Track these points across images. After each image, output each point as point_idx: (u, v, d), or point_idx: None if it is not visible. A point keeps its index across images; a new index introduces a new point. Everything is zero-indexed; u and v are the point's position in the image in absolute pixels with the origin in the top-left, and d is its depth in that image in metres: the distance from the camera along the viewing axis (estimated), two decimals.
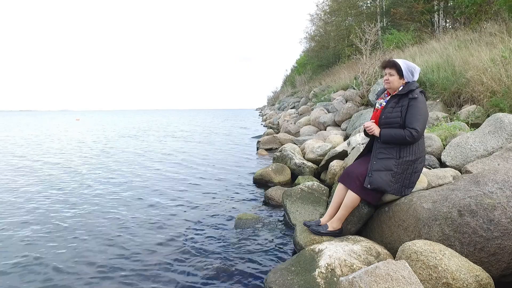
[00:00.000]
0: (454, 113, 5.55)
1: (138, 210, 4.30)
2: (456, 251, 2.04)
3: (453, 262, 1.85)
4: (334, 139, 7.05)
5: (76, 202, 4.66)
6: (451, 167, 3.43)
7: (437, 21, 14.96)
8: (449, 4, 14.50)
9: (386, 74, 2.75)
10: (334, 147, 6.06)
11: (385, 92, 2.88)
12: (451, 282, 1.77)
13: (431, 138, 3.93)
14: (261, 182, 5.52)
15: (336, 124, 9.87)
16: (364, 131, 2.89)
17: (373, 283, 1.63)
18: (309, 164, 5.78)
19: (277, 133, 12.17)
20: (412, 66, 2.69)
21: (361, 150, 3.07)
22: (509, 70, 4.92)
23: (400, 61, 2.71)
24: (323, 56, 31.45)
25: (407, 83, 2.70)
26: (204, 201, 4.68)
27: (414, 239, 2.24)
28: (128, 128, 21.90)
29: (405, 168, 2.58)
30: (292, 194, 3.83)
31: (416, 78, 2.72)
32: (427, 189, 2.68)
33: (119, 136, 15.57)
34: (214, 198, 4.83)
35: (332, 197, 3.05)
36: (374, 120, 2.80)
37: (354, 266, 2.16)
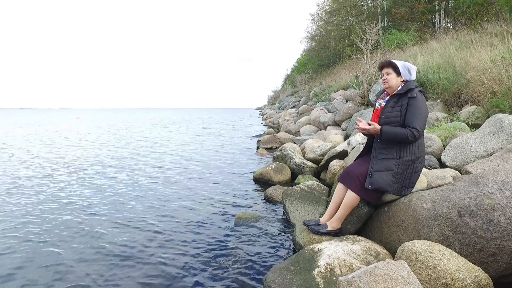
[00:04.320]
0: (454, 113, 5.55)
1: (136, 209, 4.30)
2: (456, 252, 2.05)
3: (452, 262, 1.85)
4: (334, 139, 7.06)
5: (58, 200, 4.67)
6: (451, 167, 3.43)
7: (438, 21, 14.95)
8: (450, 5, 14.48)
9: (383, 75, 2.76)
10: (334, 147, 6.07)
11: (385, 92, 2.89)
12: (450, 282, 1.77)
13: (431, 139, 3.93)
14: (261, 181, 5.52)
15: (336, 124, 9.88)
16: None
17: (372, 283, 1.63)
18: (309, 163, 5.78)
19: (277, 132, 12.17)
20: (408, 65, 2.73)
21: (361, 150, 3.07)
22: (510, 71, 4.92)
23: (395, 60, 2.76)
24: (324, 56, 31.46)
25: (405, 82, 2.71)
26: (203, 199, 4.68)
27: (413, 239, 2.24)
28: (135, 126, 21.92)
29: (405, 168, 2.58)
30: (292, 193, 3.84)
31: (413, 76, 2.73)
32: (427, 189, 2.68)
33: (124, 134, 15.59)
34: (213, 197, 4.83)
35: (331, 197, 3.05)
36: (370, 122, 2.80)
37: (353, 266, 2.16)
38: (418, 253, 1.92)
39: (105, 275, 2.63)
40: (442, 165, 3.62)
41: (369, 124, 2.66)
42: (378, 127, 2.63)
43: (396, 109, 2.63)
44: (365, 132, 2.74)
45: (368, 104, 9.28)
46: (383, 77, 2.76)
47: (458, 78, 5.95)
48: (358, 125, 2.67)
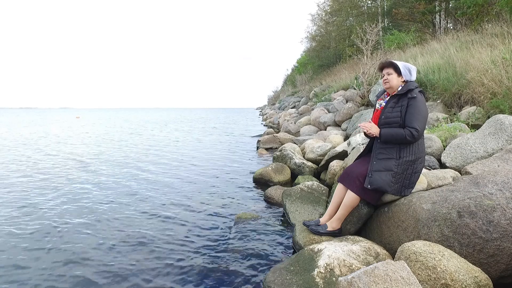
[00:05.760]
0: (455, 114, 5.55)
1: (135, 208, 4.30)
2: (455, 252, 2.04)
3: (452, 263, 1.85)
4: (334, 139, 7.05)
5: (68, 201, 4.67)
6: (451, 168, 3.43)
7: (438, 22, 14.93)
8: (450, 5, 14.47)
9: (384, 75, 2.77)
10: (334, 147, 6.07)
11: (385, 93, 2.89)
12: (449, 283, 1.77)
13: (431, 139, 3.93)
14: (261, 181, 5.52)
15: (337, 124, 9.87)
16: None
17: (372, 284, 1.63)
18: (309, 164, 5.78)
19: (277, 132, 12.17)
20: (408, 65, 2.74)
21: (361, 150, 3.07)
22: (510, 71, 4.92)
23: (396, 61, 2.76)
24: (324, 56, 31.49)
25: (406, 83, 2.71)
26: (203, 199, 4.68)
27: (413, 240, 2.24)
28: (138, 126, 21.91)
29: (405, 168, 2.58)
30: (292, 193, 3.83)
31: (414, 77, 2.73)
32: (427, 190, 2.68)
33: (126, 133, 15.59)
34: (213, 197, 4.83)
35: (331, 197, 3.05)
36: (370, 120, 2.81)
37: (353, 266, 2.16)
38: (418, 253, 1.92)
39: (103, 273, 2.63)
40: (442, 165, 3.62)
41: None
42: (377, 129, 2.66)
43: (396, 110, 2.63)
44: (367, 133, 2.75)
45: (368, 104, 9.28)
46: (384, 78, 2.77)
47: (458, 79, 5.95)
48: (362, 125, 2.72)
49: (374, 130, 2.67)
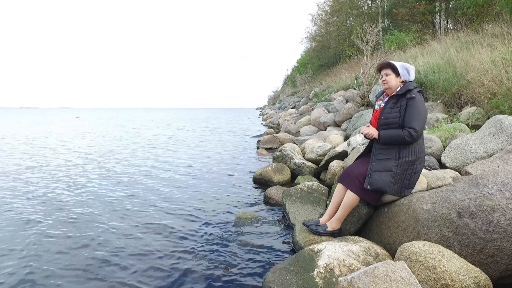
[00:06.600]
0: (455, 114, 5.55)
1: (136, 209, 4.30)
2: (455, 253, 2.05)
3: (452, 263, 1.85)
4: (334, 139, 7.05)
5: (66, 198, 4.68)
6: (451, 168, 3.43)
7: (438, 22, 14.93)
8: (450, 5, 14.48)
9: (382, 76, 2.77)
10: (334, 147, 6.07)
11: (384, 93, 2.89)
12: (449, 283, 1.77)
13: (431, 139, 3.93)
14: (260, 181, 5.52)
15: (337, 124, 9.88)
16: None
17: (371, 284, 1.63)
18: (309, 164, 5.78)
19: (277, 132, 12.17)
20: (406, 65, 2.74)
21: (361, 151, 3.07)
22: (510, 72, 4.92)
23: (393, 61, 2.77)
24: (324, 56, 31.50)
25: (405, 83, 2.71)
26: (203, 200, 4.68)
27: (413, 240, 2.24)
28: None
29: (405, 169, 2.58)
30: (292, 193, 3.84)
31: (412, 76, 2.73)
32: (427, 190, 2.68)
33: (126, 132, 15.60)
34: (213, 197, 4.83)
35: (331, 197, 3.05)
36: (369, 124, 2.81)
37: (353, 266, 2.16)
38: (417, 254, 1.92)
39: (102, 273, 2.63)
40: (442, 166, 3.62)
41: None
42: (376, 131, 2.66)
43: (395, 110, 2.64)
44: (368, 137, 2.75)
45: (368, 104, 9.28)
46: (382, 78, 2.77)
47: (458, 79, 5.95)
48: (362, 131, 2.73)
49: (375, 134, 2.68)
